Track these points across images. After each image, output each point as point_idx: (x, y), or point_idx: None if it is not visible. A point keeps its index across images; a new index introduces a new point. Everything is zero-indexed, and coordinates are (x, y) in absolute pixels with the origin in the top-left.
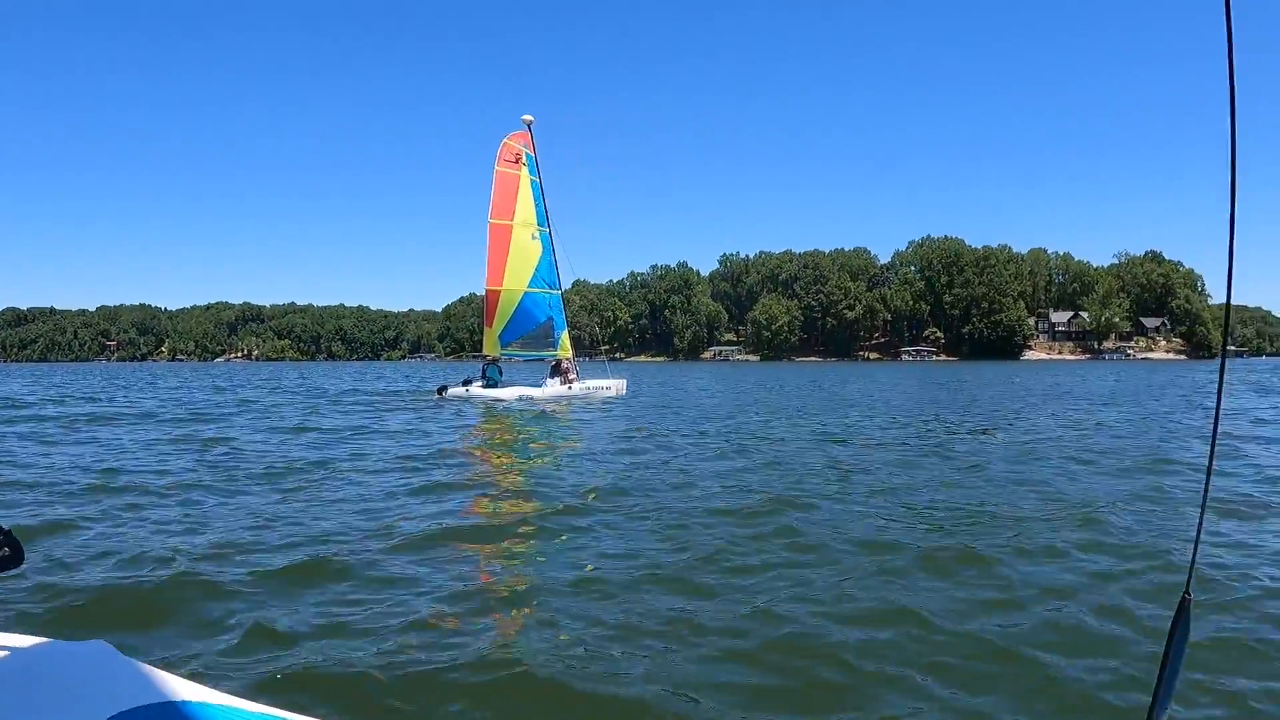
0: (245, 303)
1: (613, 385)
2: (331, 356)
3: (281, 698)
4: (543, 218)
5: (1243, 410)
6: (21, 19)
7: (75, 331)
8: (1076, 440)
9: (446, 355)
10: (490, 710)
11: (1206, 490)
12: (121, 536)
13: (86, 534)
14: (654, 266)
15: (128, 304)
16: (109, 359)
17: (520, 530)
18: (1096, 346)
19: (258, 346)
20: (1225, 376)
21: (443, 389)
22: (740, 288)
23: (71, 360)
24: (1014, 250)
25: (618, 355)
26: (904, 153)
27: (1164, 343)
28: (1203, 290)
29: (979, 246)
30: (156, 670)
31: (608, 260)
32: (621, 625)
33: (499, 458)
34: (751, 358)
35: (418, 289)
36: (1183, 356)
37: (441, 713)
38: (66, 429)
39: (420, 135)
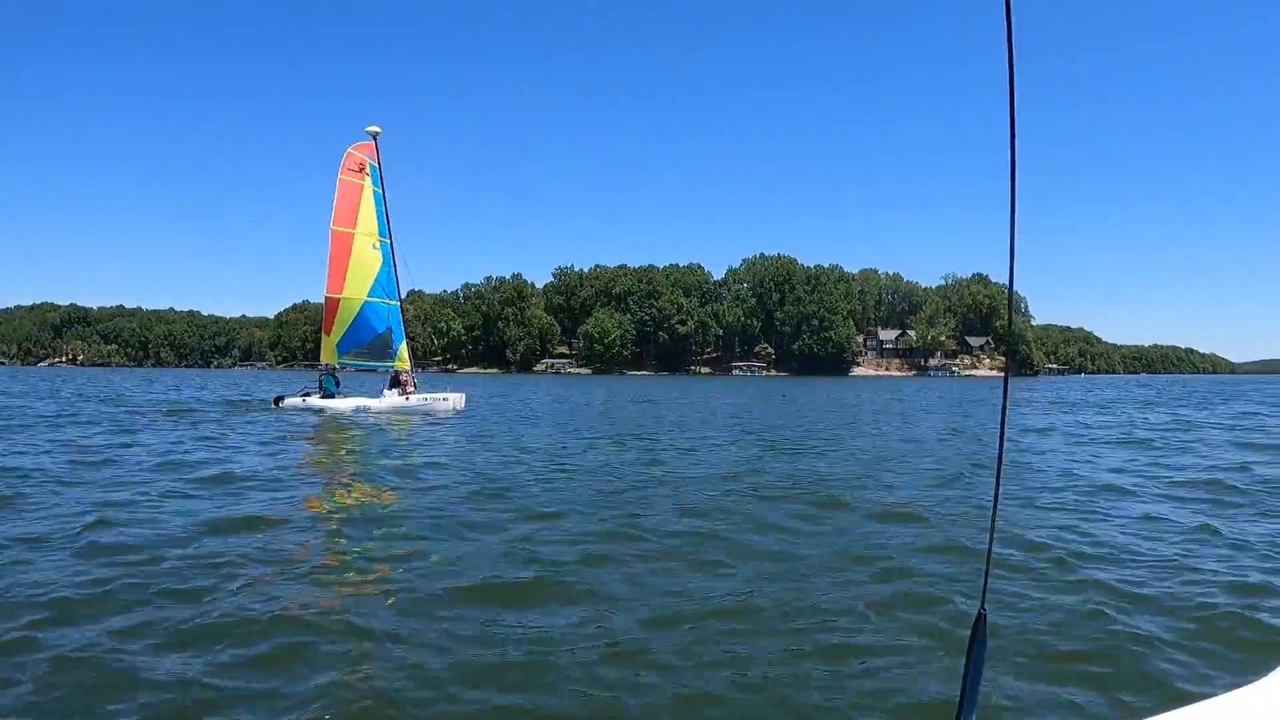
0: (72, 304)
1: (451, 398)
2: (160, 363)
3: None
4: (384, 229)
5: (1018, 424)
6: None
7: None
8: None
9: (279, 364)
10: None
11: (995, 509)
12: None
13: None
14: (488, 278)
15: None
16: None
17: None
18: (923, 364)
19: (83, 351)
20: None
21: (279, 400)
22: (574, 300)
23: None
24: (845, 270)
25: (449, 367)
26: (741, 171)
27: (988, 360)
28: (1026, 311)
29: (811, 265)
30: None
31: (441, 270)
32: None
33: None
34: (584, 371)
35: (250, 294)
36: None
37: None
38: None
39: (256, 136)
